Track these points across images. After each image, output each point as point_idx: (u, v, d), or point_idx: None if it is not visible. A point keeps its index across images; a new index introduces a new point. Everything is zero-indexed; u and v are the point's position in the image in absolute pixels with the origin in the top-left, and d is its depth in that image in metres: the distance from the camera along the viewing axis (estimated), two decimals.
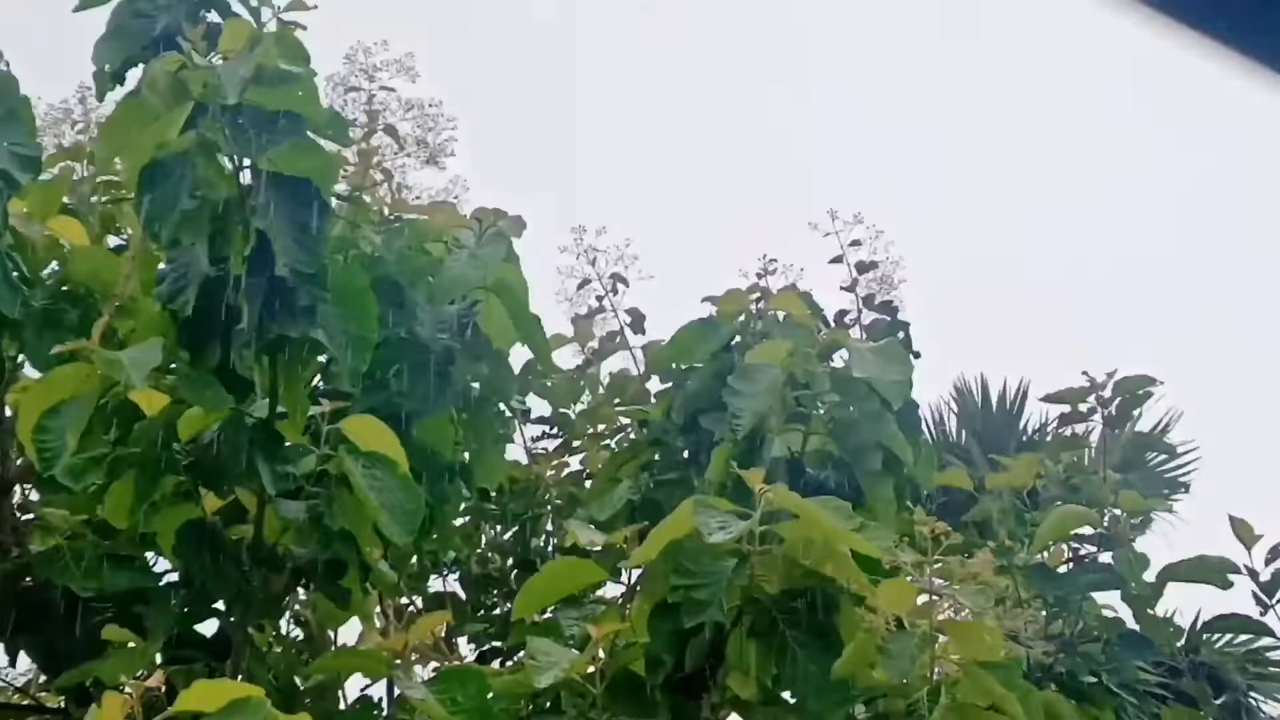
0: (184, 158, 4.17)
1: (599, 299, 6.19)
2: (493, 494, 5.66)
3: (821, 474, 4.85)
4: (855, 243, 5.81)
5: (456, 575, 5.89)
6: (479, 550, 5.91)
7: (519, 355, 5.27)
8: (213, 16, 4.78)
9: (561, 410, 6.18)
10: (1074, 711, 4.73)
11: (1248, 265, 11.16)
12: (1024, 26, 10.92)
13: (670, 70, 12.19)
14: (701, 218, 11.42)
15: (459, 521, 5.69)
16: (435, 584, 5.92)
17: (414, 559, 5.30)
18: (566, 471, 6.08)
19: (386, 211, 4.94)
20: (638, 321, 6.19)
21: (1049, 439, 8.94)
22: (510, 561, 5.93)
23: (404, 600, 5.48)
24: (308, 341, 4.31)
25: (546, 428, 6.20)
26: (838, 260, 5.82)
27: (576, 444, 6.14)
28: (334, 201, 4.80)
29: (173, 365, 4.54)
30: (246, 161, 4.23)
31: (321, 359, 4.65)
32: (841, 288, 5.82)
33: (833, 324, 5.66)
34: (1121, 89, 11.30)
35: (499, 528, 5.99)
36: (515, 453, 6.08)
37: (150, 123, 4.20)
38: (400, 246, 4.84)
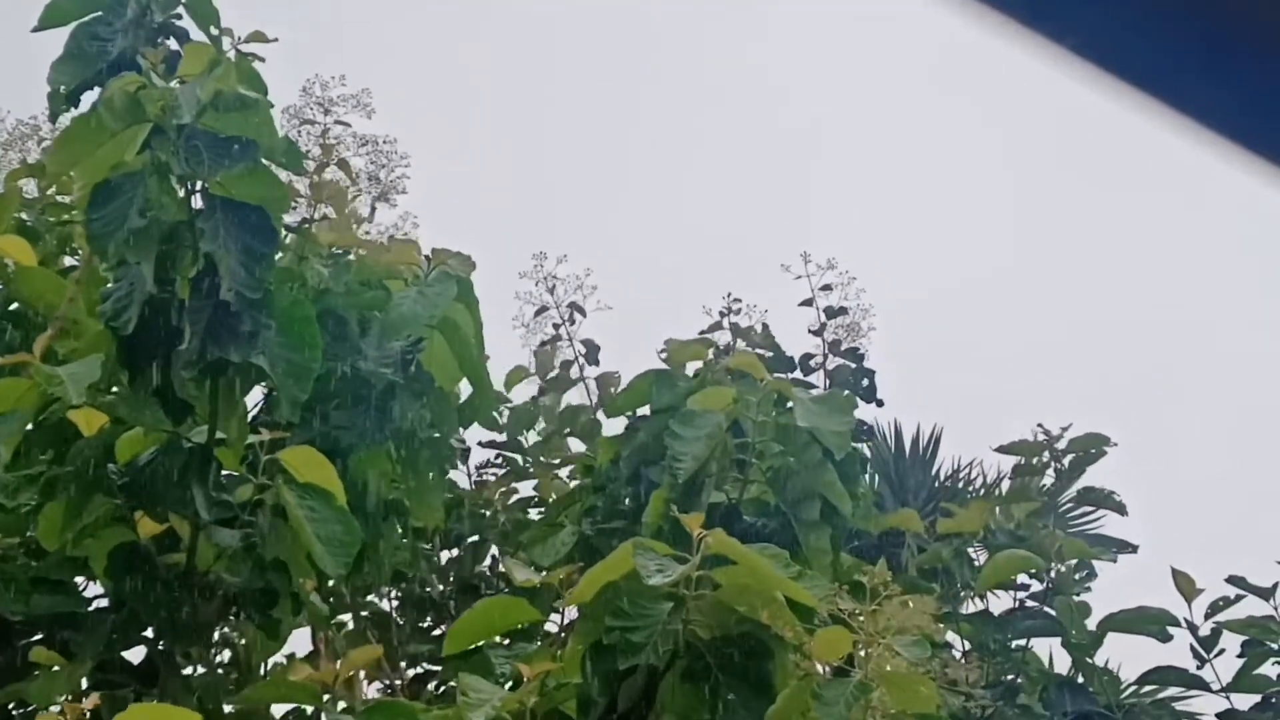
0: (136, 177, 4.17)
1: (555, 327, 6.19)
2: (429, 531, 5.64)
3: (758, 521, 4.87)
4: (826, 287, 5.85)
5: (396, 596, 5.85)
6: (419, 573, 5.88)
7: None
8: (171, 44, 4.80)
9: (517, 438, 6.16)
10: None
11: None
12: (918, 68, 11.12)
13: (633, 109, 12.30)
14: (669, 255, 11.50)
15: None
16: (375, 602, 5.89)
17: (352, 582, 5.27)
18: (515, 498, 6.07)
19: (334, 246, 4.92)
20: (592, 352, 6.21)
21: (961, 485, 9.06)
22: (451, 585, 5.90)
23: (330, 630, 5.44)
24: (249, 367, 4.29)
25: (494, 455, 6.18)
26: (808, 303, 5.87)
27: (529, 469, 6.13)
28: (286, 233, 4.82)
29: (114, 389, 4.53)
30: (198, 184, 4.23)
31: (263, 387, 4.63)
32: (810, 331, 5.87)
33: (798, 367, 5.71)
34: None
35: (442, 551, 5.97)
36: (460, 478, 6.09)
37: (103, 140, 4.20)
38: (348, 280, 4.84)
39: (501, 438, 6.19)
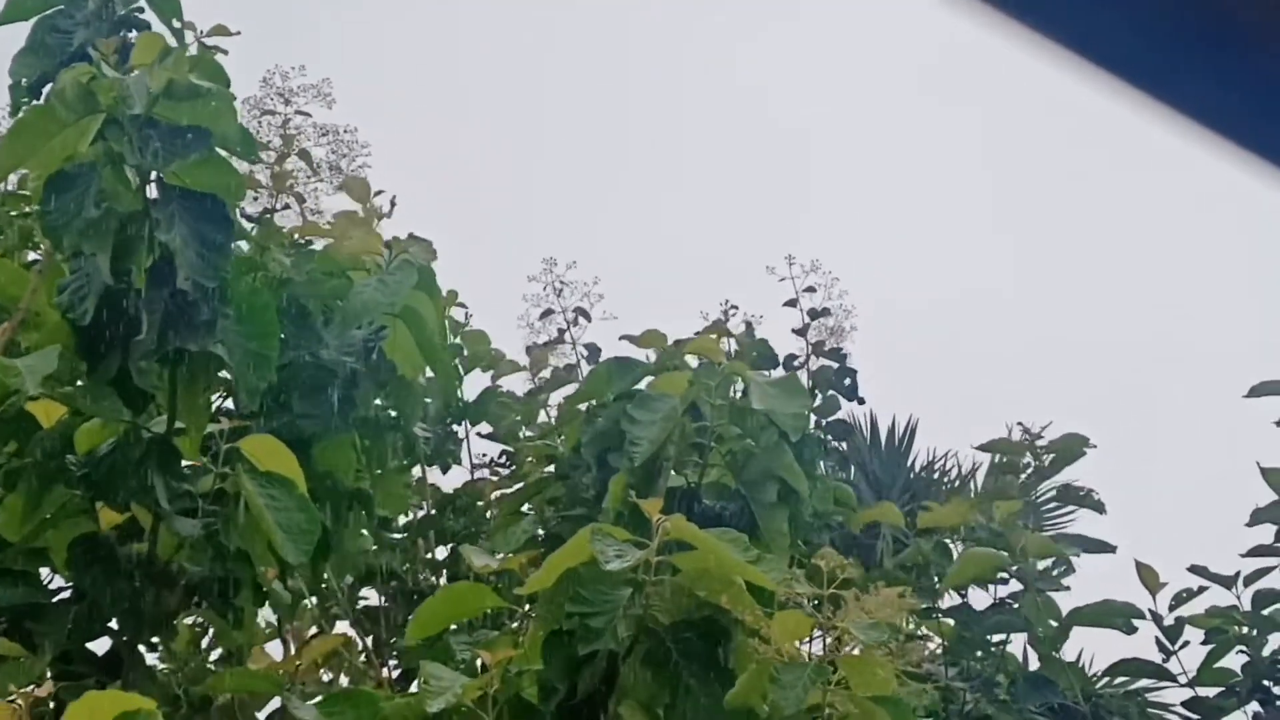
0: (90, 168, 4.17)
1: (560, 331, 6.21)
2: (433, 512, 5.66)
3: (717, 505, 4.87)
4: (810, 289, 5.89)
5: (390, 591, 5.85)
6: (416, 567, 5.89)
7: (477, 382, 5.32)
8: (132, 36, 4.80)
9: (515, 433, 6.17)
10: None
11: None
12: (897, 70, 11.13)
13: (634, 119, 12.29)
14: (661, 258, 11.50)
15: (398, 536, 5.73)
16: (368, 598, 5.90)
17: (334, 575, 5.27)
18: (504, 493, 6.08)
19: (296, 235, 4.92)
20: (594, 356, 6.19)
21: (937, 477, 9.07)
22: (444, 580, 5.91)
23: (294, 622, 5.44)
24: (208, 356, 4.29)
25: (497, 453, 6.21)
26: (792, 304, 5.91)
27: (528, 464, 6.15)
28: (245, 224, 4.82)
29: (79, 383, 4.54)
30: (153, 174, 4.23)
31: (224, 377, 4.63)
32: (793, 331, 5.91)
33: (781, 367, 5.75)
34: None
35: (437, 545, 5.98)
36: (459, 472, 6.13)
37: (57, 132, 4.20)
38: (310, 269, 4.84)
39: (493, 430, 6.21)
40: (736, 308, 5.76)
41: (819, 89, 12.00)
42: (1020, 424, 6.06)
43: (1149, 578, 5.76)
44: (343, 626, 5.77)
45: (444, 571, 6.01)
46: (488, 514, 6.06)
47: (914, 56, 10.75)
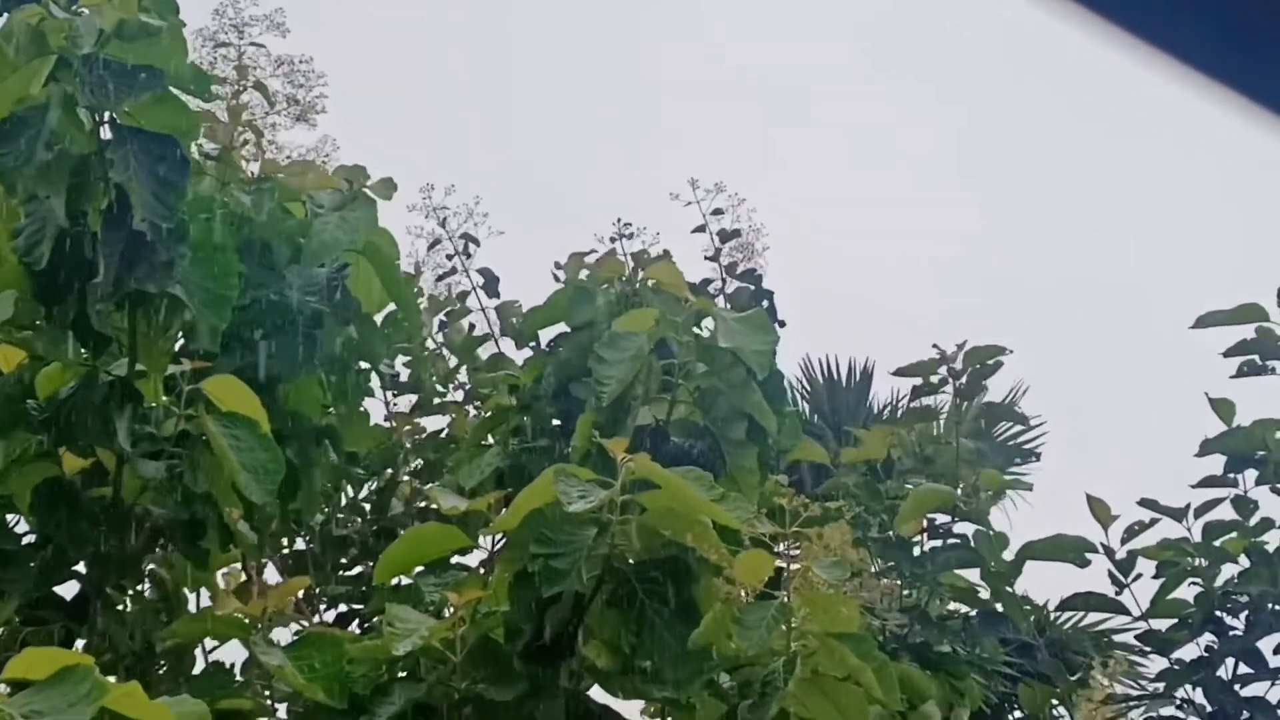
0: (42, 110, 4.11)
1: (449, 258, 6.08)
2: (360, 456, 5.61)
3: (686, 443, 4.83)
4: (717, 211, 5.77)
5: (313, 536, 5.79)
6: (338, 512, 5.83)
7: None
8: None
9: (422, 377, 6.08)
10: (930, 683, 4.73)
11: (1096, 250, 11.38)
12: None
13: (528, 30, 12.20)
14: (559, 180, 11.44)
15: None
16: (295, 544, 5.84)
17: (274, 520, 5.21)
18: (426, 435, 6.01)
19: (255, 170, 4.86)
20: (491, 283, 6.06)
21: (900, 417, 9.05)
22: (367, 523, 5.85)
23: (261, 560, 5.40)
24: (167, 298, 4.25)
25: (400, 390, 6.10)
26: (700, 229, 5.79)
27: (435, 404, 6.06)
28: (205, 161, 4.77)
29: (36, 322, 4.50)
30: (107, 115, 4.17)
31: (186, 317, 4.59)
32: (705, 257, 5.80)
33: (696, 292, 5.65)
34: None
35: (356, 489, 5.91)
36: (375, 413, 6.04)
37: (7, 75, 4.13)
38: (270, 207, 4.79)
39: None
40: (630, 225, 5.57)
41: (766, 37, 11.93)
42: (935, 345, 5.91)
43: (1100, 511, 5.74)
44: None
45: (367, 517, 5.93)
46: (406, 457, 5.98)
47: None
